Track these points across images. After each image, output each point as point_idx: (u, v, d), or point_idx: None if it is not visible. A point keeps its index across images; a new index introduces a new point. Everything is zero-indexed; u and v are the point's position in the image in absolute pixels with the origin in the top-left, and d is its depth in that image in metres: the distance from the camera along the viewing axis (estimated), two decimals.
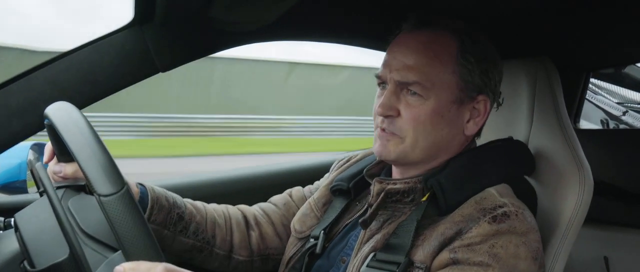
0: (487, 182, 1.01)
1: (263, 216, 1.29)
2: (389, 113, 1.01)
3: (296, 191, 1.35)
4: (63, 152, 0.99)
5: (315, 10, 1.28)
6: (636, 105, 2.39)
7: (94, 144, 0.78)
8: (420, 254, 0.94)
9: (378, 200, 1.02)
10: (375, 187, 1.05)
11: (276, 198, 1.34)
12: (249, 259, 1.24)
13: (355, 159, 1.28)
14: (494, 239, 0.90)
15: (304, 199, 1.31)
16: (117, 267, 0.70)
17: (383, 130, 1.03)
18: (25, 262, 0.91)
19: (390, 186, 1.03)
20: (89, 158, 0.76)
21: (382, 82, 1.06)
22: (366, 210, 1.11)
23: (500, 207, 0.94)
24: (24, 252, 0.91)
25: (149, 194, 1.11)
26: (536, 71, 1.22)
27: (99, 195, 0.72)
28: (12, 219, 1.12)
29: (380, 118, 1.03)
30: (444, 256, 0.91)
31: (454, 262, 0.90)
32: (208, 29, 1.21)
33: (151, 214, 1.09)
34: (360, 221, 1.02)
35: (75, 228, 0.86)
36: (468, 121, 1.05)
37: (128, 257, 0.71)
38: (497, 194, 0.98)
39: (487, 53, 1.04)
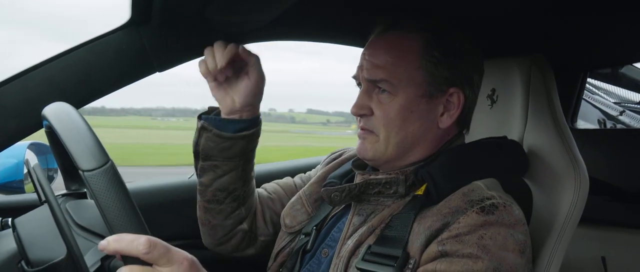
0: (475, 176, 1.02)
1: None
2: (362, 112, 1.06)
3: (285, 180, 1.37)
4: (62, 157, 0.99)
5: (312, 11, 1.28)
6: (633, 105, 2.40)
7: (81, 125, 0.78)
8: (410, 249, 0.94)
9: (357, 184, 1.05)
10: (357, 178, 1.07)
11: (267, 185, 1.37)
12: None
13: (348, 154, 1.29)
14: (483, 230, 0.90)
15: (292, 187, 1.34)
16: (102, 242, 0.69)
17: (361, 129, 1.08)
18: (23, 262, 0.91)
19: (372, 177, 1.05)
20: (74, 137, 0.76)
21: (358, 83, 1.11)
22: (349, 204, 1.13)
23: (488, 199, 0.94)
24: (22, 253, 0.91)
25: None
26: (530, 69, 1.22)
27: (83, 170, 0.72)
28: (10, 219, 1.12)
29: (358, 117, 1.08)
30: (433, 248, 0.92)
31: (443, 254, 0.90)
32: (205, 29, 1.21)
33: None
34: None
35: (69, 222, 0.87)
36: (442, 114, 1.06)
37: (112, 231, 0.70)
38: (484, 187, 0.99)
39: (455, 46, 1.06)
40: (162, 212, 1.64)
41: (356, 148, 1.10)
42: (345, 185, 1.06)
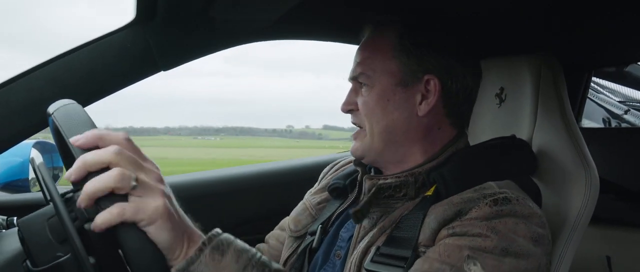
0: (488, 177, 1.01)
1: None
2: (349, 107, 1.11)
3: (283, 220, 1.36)
4: (67, 155, 0.99)
5: (316, 9, 1.28)
6: (638, 104, 2.39)
7: (77, 108, 0.79)
8: (421, 242, 0.94)
9: (369, 194, 1.04)
10: (366, 183, 1.07)
11: (268, 235, 1.37)
12: None
13: (348, 159, 1.29)
14: (495, 220, 0.90)
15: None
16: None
17: (354, 125, 1.12)
18: (28, 261, 0.91)
19: (381, 181, 1.05)
20: (67, 116, 0.77)
21: None
22: (355, 200, 1.14)
23: (501, 193, 0.94)
24: (26, 251, 0.92)
25: None
26: (540, 68, 1.21)
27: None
28: (15, 218, 1.12)
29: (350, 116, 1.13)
30: (443, 233, 0.92)
31: (452, 235, 0.90)
32: (210, 27, 1.21)
33: None
34: (351, 211, 1.04)
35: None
36: (420, 103, 1.07)
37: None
38: (496, 186, 0.99)
39: (429, 37, 1.08)
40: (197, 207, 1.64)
41: (350, 150, 1.12)
42: (365, 203, 1.03)
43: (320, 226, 1.15)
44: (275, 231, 1.36)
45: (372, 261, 0.96)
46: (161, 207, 0.69)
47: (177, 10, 1.14)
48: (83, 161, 0.68)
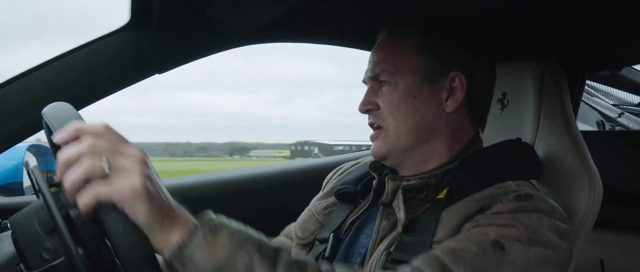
0: (505, 178, 1.01)
1: None
2: (367, 107, 1.08)
3: (288, 227, 1.33)
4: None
5: (314, 12, 1.28)
6: (632, 107, 2.40)
7: (69, 109, 0.79)
8: (441, 236, 0.93)
9: (398, 197, 1.02)
10: (389, 185, 1.05)
11: (273, 241, 1.33)
12: None
13: (351, 163, 1.28)
14: (519, 213, 0.90)
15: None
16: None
17: (371, 127, 1.09)
18: (22, 265, 0.90)
19: (405, 183, 1.03)
20: (59, 118, 0.77)
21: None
22: (370, 206, 1.11)
23: (522, 190, 0.95)
24: (19, 253, 0.91)
25: None
26: (543, 74, 1.21)
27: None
28: (8, 222, 1.12)
29: (367, 116, 1.10)
30: (467, 226, 0.91)
31: (477, 226, 0.90)
32: (205, 30, 1.21)
33: None
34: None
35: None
36: (447, 100, 1.06)
37: None
38: (515, 185, 0.99)
39: (449, 33, 1.09)
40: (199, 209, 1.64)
41: (371, 152, 1.10)
42: (403, 218, 1.00)
43: (332, 234, 1.11)
44: (281, 238, 1.31)
45: (382, 267, 0.94)
46: (137, 186, 0.69)
47: (172, 12, 1.14)
48: (60, 158, 0.70)
